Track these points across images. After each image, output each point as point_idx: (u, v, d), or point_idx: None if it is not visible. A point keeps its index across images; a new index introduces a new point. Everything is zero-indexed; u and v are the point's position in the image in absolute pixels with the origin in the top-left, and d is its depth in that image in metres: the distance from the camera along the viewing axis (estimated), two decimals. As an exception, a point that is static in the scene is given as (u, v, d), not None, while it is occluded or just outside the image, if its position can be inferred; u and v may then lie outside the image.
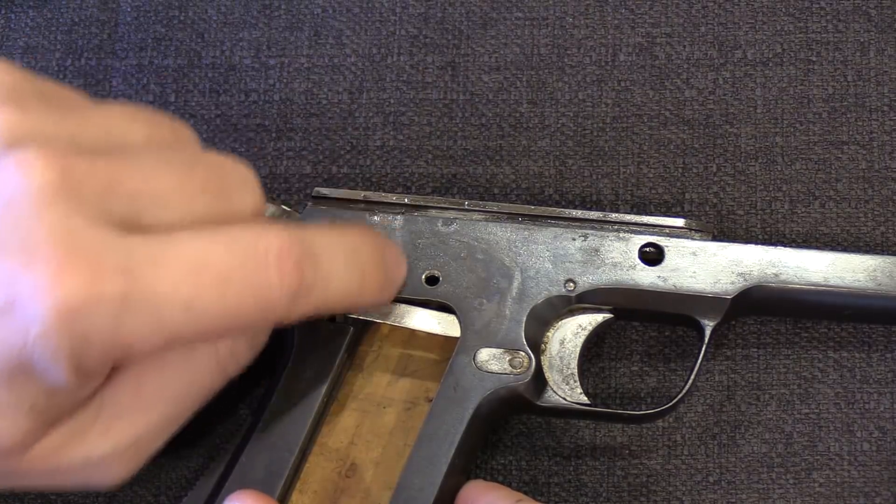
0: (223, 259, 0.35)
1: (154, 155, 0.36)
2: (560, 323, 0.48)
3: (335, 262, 0.38)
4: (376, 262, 0.40)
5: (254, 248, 0.35)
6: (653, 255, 0.48)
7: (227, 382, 0.40)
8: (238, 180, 0.37)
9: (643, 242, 0.48)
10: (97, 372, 0.35)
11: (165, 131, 0.38)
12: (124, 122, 0.37)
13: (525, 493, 0.51)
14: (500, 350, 0.47)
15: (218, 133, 0.56)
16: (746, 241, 0.50)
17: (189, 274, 0.34)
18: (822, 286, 0.48)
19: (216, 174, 0.37)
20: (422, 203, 0.48)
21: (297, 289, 0.36)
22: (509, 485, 0.51)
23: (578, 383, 0.48)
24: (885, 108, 0.55)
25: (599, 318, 0.49)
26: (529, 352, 0.47)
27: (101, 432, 0.37)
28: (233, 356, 0.39)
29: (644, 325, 0.53)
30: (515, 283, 0.47)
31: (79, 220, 0.33)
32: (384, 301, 0.41)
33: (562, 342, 0.48)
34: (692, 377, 0.48)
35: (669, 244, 0.48)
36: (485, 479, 0.51)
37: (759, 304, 0.49)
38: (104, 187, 0.34)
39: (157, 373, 0.37)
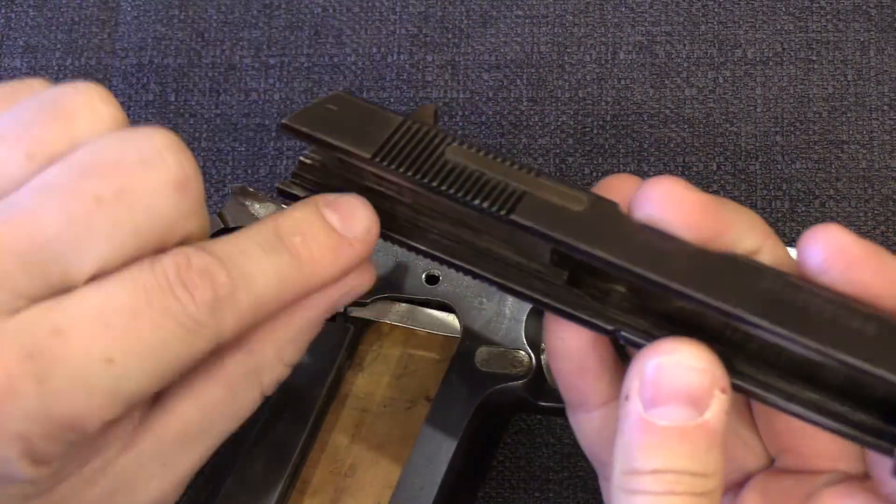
0: (124, 300, 0.33)
1: (31, 192, 0.33)
2: (560, 323, 0.49)
3: (249, 254, 0.35)
4: (311, 231, 0.37)
5: (150, 275, 0.33)
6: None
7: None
8: (138, 164, 0.34)
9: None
10: (58, 453, 0.33)
11: (46, 136, 0.34)
12: None
13: (524, 489, 0.51)
14: (501, 349, 0.47)
15: (218, 133, 0.56)
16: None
17: (96, 330, 0.32)
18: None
19: (110, 179, 0.33)
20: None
21: (213, 296, 0.34)
22: (508, 481, 0.51)
23: (578, 383, 0.48)
24: (885, 108, 0.55)
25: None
26: (530, 351, 0.47)
27: (145, 481, 0.36)
28: (275, 378, 0.38)
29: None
30: (515, 283, 0.47)
31: None
32: (357, 260, 0.38)
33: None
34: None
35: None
36: (484, 477, 0.51)
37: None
38: None
39: (200, 413, 0.37)
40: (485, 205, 0.35)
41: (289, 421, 0.46)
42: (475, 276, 0.38)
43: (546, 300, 0.37)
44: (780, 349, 0.34)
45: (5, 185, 0.34)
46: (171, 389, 0.36)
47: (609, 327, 0.36)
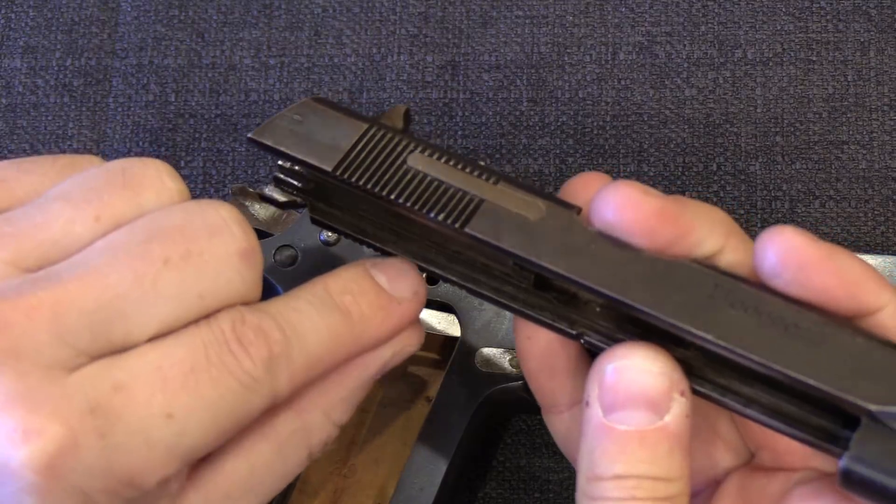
0: (182, 356, 0.33)
1: (98, 253, 0.34)
2: (560, 323, 0.49)
3: (301, 312, 0.36)
4: (361, 290, 0.38)
5: (207, 331, 0.34)
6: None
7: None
8: (205, 231, 0.35)
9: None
10: None
11: (114, 202, 0.35)
12: (64, 214, 0.35)
13: (523, 489, 0.51)
14: (500, 350, 0.47)
15: (218, 133, 0.56)
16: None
17: (156, 385, 0.33)
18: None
19: (178, 243, 0.34)
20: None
21: (268, 353, 0.34)
22: (508, 481, 0.51)
23: (578, 383, 0.48)
24: (885, 108, 0.55)
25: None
26: (529, 351, 0.47)
27: None
28: (324, 439, 0.38)
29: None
30: (515, 283, 0.47)
31: (33, 375, 0.32)
32: (407, 320, 0.39)
33: (562, 342, 0.49)
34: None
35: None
36: (484, 477, 0.51)
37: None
38: (51, 322, 0.32)
39: (248, 471, 0.37)
40: (440, 217, 0.36)
41: (289, 421, 0.46)
42: (444, 279, 0.38)
43: (511, 304, 0.37)
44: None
45: (72, 246, 0.34)
46: (220, 446, 0.36)
47: (573, 331, 0.36)
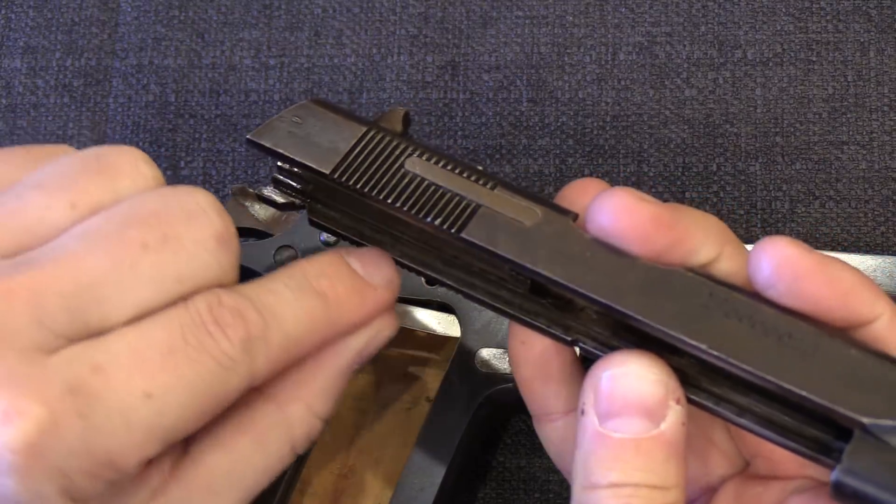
0: (160, 337, 0.34)
1: (75, 238, 0.34)
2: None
3: (278, 294, 0.36)
4: (337, 275, 0.38)
5: (184, 313, 0.34)
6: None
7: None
8: (182, 216, 0.35)
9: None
10: (96, 492, 0.34)
11: (90, 188, 0.35)
12: (39, 202, 0.35)
13: (523, 490, 0.51)
14: (500, 350, 0.47)
15: (218, 133, 0.56)
16: (746, 241, 0.50)
17: (134, 366, 0.33)
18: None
19: (155, 228, 0.35)
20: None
21: (245, 334, 0.35)
22: (508, 481, 0.51)
23: (578, 383, 0.48)
24: (885, 108, 0.55)
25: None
26: (529, 351, 0.47)
27: None
28: (306, 432, 0.38)
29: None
30: (515, 284, 0.47)
31: (11, 357, 0.32)
32: (381, 305, 0.39)
33: (562, 342, 0.49)
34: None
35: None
36: (484, 477, 0.51)
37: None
38: (29, 305, 0.33)
39: (228, 464, 0.37)
40: (437, 222, 0.36)
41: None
42: (440, 283, 0.38)
43: (506, 309, 0.37)
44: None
45: (48, 233, 0.35)
46: (201, 439, 0.36)
47: (568, 338, 0.36)
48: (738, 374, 0.34)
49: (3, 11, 0.58)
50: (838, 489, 0.33)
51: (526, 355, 0.39)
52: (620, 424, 0.34)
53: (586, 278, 0.34)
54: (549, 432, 0.40)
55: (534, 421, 0.40)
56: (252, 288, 0.36)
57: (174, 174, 0.56)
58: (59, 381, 0.32)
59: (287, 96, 0.56)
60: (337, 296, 0.37)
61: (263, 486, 0.38)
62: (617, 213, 0.34)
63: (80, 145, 0.56)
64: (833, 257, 0.35)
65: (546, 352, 0.38)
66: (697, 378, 0.35)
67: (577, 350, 0.36)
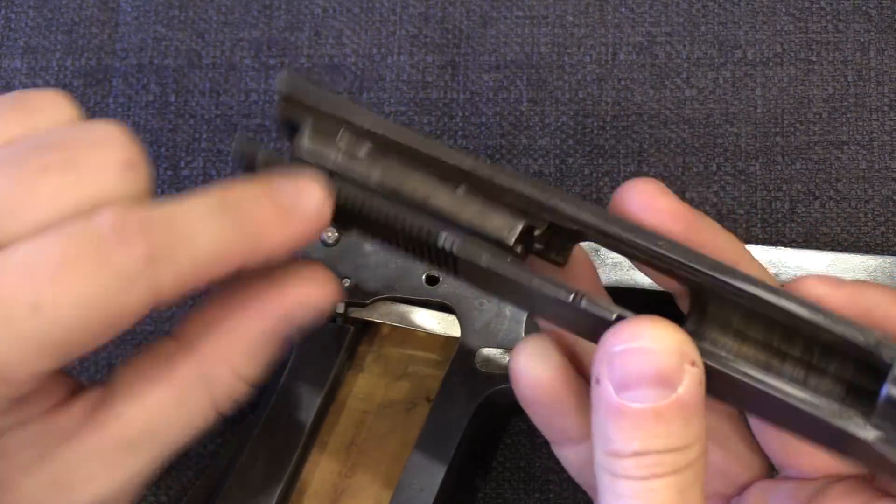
0: (54, 250, 0.33)
1: None
2: (560, 323, 0.49)
3: (191, 213, 0.35)
4: (257, 198, 0.37)
5: (83, 227, 0.34)
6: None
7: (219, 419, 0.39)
8: (88, 143, 0.35)
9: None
10: None
11: (4, 122, 0.36)
12: None
13: (523, 489, 0.51)
14: (501, 350, 0.47)
15: (218, 133, 0.56)
16: (746, 241, 0.50)
17: (22, 278, 0.33)
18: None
19: (57, 153, 0.34)
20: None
21: (149, 252, 0.34)
22: (508, 481, 0.51)
23: (578, 383, 0.48)
24: (885, 108, 0.55)
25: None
26: (529, 351, 0.47)
27: (85, 480, 0.36)
28: (228, 393, 0.37)
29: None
30: (515, 284, 0.47)
31: None
32: (305, 234, 0.37)
33: (562, 342, 0.49)
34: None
35: (669, 244, 0.48)
36: (484, 477, 0.51)
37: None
38: None
39: (145, 416, 0.36)
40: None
41: (289, 422, 0.46)
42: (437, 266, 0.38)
43: (505, 267, 0.36)
44: (751, 314, 0.34)
45: None
46: (119, 390, 0.36)
47: (570, 295, 0.35)
48: (766, 299, 0.34)
49: (3, 11, 0.58)
50: (893, 402, 0.33)
51: (535, 380, 0.39)
52: (638, 395, 0.34)
53: (617, 223, 0.35)
54: (572, 457, 0.40)
55: (552, 446, 0.40)
56: (163, 205, 0.35)
57: (174, 174, 0.56)
58: None
59: (287, 96, 0.56)
60: (255, 219, 0.36)
61: (183, 444, 0.37)
62: (643, 205, 0.36)
63: (80, 145, 0.56)
64: (863, 283, 0.35)
65: (556, 388, 0.38)
66: (712, 331, 0.35)
67: (581, 305, 0.35)
